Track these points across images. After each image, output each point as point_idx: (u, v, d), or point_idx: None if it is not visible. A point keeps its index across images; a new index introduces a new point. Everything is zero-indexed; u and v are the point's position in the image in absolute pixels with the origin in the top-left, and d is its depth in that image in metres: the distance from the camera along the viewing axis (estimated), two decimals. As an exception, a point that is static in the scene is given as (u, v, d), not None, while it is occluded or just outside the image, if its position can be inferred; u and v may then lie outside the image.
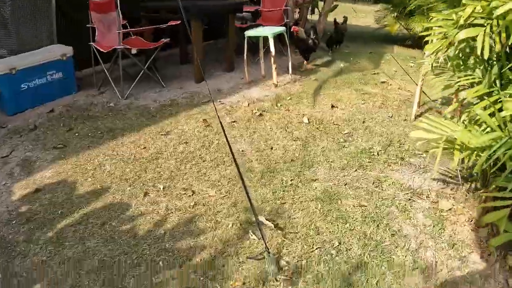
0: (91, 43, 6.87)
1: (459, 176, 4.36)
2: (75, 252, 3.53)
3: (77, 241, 3.65)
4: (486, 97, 3.53)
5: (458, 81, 3.90)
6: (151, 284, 3.21)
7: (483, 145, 3.40)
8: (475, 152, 3.50)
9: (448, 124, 3.81)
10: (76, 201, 4.15)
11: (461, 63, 3.96)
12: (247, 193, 3.47)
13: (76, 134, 5.50)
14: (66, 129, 5.62)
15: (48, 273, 3.34)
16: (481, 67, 3.78)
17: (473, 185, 4.19)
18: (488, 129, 3.54)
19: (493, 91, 3.57)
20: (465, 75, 3.87)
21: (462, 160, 4.20)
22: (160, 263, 3.42)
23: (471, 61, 3.91)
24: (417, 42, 10.35)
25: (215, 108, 4.19)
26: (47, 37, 7.15)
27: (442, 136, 3.69)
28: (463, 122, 3.79)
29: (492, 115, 3.48)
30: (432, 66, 4.38)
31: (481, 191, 3.90)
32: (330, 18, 10.73)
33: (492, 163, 3.53)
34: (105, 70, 6.77)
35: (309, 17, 10.76)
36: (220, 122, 3.73)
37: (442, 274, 3.33)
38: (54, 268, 3.37)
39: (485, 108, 3.57)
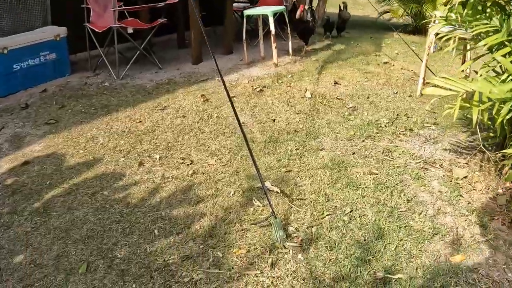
0: (86, 24, 6.41)
1: (479, 135, 3.92)
2: (62, 222, 3.14)
3: (65, 211, 3.26)
4: (507, 43, 3.14)
5: (473, 30, 3.48)
6: (145, 253, 2.80)
7: (505, 95, 3.07)
8: (496, 104, 3.13)
9: (462, 81, 3.44)
10: (66, 172, 3.75)
11: (478, 10, 3.56)
12: (251, 154, 3.06)
13: (69, 111, 5.09)
14: (58, 107, 5.22)
15: (32, 244, 2.91)
16: (499, 16, 3.38)
17: (488, 153, 3.75)
18: (510, 77, 3.20)
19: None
20: (482, 24, 3.46)
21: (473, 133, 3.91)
22: (156, 231, 3.01)
23: (487, 10, 3.52)
24: (418, 29, 9.97)
25: (220, 75, 3.79)
26: (41, 19, 6.71)
27: (458, 92, 3.29)
28: (481, 75, 3.40)
29: None
30: (446, 16, 3.93)
31: (500, 153, 3.49)
32: (328, 6, 10.31)
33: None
34: (101, 52, 6.35)
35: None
36: (225, 87, 3.32)
37: (465, 240, 2.90)
38: (38, 239, 2.97)
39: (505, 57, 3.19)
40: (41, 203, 3.36)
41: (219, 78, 5.65)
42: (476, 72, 3.58)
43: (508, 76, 3.26)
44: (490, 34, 3.45)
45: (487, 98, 3.17)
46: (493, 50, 3.48)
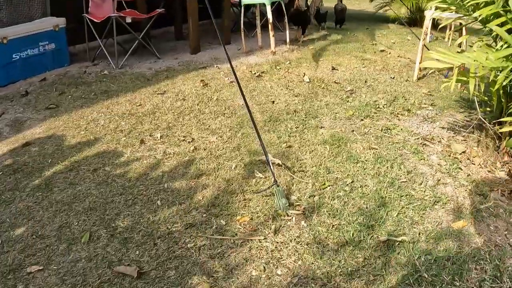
0: (85, 14, 6.36)
1: (476, 105, 3.91)
2: (64, 196, 3.09)
3: (67, 186, 3.22)
4: (502, 13, 3.13)
5: (467, 2, 3.47)
6: (147, 222, 2.76)
7: (501, 63, 3.09)
8: (492, 72, 3.20)
9: (459, 54, 3.45)
10: (67, 151, 3.72)
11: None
12: (254, 125, 3.03)
13: (69, 97, 5.05)
14: (58, 93, 5.18)
15: (34, 217, 2.86)
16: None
17: (487, 122, 3.73)
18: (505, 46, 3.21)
19: (507, 11, 3.19)
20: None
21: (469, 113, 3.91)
22: (158, 202, 2.98)
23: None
24: (414, 21, 9.94)
25: (227, 55, 3.72)
26: (40, 10, 6.66)
27: (455, 64, 3.29)
28: (477, 47, 3.41)
29: (509, 31, 3.16)
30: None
31: (498, 121, 3.48)
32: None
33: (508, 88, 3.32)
34: (100, 42, 6.30)
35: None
36: (231, 65, 3.28)
37: (465, 207, 2.88)
38: (40, 212, 2.93)
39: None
40: (42, 179, 3.32)
41: (218, 66, 5.66)
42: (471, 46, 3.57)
43: (503, 45, 3.24)
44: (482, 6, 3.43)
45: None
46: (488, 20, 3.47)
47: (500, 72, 3.08)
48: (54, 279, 2.36)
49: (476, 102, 3.70)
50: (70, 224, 2.80)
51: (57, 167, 3.47)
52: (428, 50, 5.58)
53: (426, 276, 2.34)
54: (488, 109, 3.79)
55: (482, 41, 3.56)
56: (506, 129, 3.26)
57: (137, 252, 2.54)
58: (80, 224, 2.80)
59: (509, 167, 3.39)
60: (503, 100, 3.42)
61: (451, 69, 5.51)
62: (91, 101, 4.88)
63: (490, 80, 3.27)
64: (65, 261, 2.48)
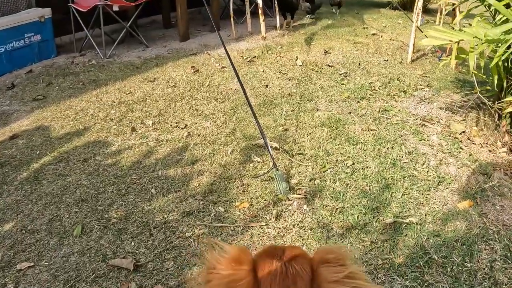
0: (70, 4, 6.15)
1: (474, 81, 3.80)
2: (54, 188, 2.93)
3: (57, 178, 3.06)
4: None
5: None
6: (142, 211, 2.60)
7: (500, 37, 3.00)
8: (491, 46, 3.11)
9: (456, 31, 3.34)
10: (55, 142, 3.55)
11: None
12: (251, 107, 2.86)
13: (57, 87, 4.87)
14: (45, 84, 4.99)
15: (23, 211, 2.70)
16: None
17: (486, 100, 3.61)
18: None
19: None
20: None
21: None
22: (152, 190, 2.82)
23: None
24: (404, 6, 9.76)
25: (220, 38, 3.56)
26: (25, 1, 6.43)
27: (453, 41, 3.19)
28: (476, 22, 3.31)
29: (507, 6, 3.07)
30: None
31: (499, 103, 3.37)
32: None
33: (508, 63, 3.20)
34: (87, 32, 6.10)
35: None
36: (225, 48, 3.12)
37: (470, 187, 2.75)
38: (30, 206, 2.77)
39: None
40: (31, 172, 3.16)
41: (208, 52, 5.48)
42: (470, 25, 3.45)
43: (501, 19, 3.14)
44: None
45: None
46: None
47: (499, 46, 2.97)
48: (45, 275, 2.21)
49: (475, 80, 3.56)
50: (61, 217, 2.65)
51: (46, 159, 3.31)
52: (422, 32, 5.46)
53: (436, 258, 2.23)
54: (488, 87, 3.67)
55: (480, 19, 3.43)
56: (508, 109, 3.14)
57: (133, 244, 2.39)
58: (72, 216, 2.65)
59: (510, 147, 3.27)
60: (503, 77, 3.30)
61: (444, 51, 5.43)
62: (79, 91, 4.71)
63: (487, 55, 3.16)
64: (57, 256, 2.33)
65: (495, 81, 3.28)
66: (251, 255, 0.91)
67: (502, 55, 2.93)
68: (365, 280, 0.88)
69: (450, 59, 3.36)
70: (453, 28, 3.88)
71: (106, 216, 2.62)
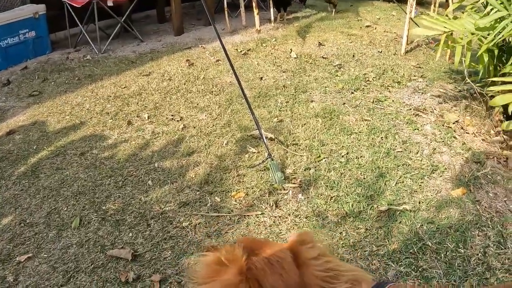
0: (64, 0, 6.13)
1: (464, 65, 3.82)
2: (51, 182, 2.95)
3: (54, 172, 3.07)
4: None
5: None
6: (139, 203, 2.63)
7: (488, 27, 3.08)
8: (478, 35, 3.17)
9: (448, 20, 3.36)
10: (52, 137, 3.57)
11: None
12: (246, 99, 2.89)
13: (52, 83, 4.87)
14: (41, 80, 4.99)
15: (21, 205, 2.72)
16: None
17: (475, 86, 3.64)
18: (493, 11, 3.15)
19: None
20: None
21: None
22: (149, 182, 2.84)
23: None
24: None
25: (216, 31, 3.56)
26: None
27: (444, 31, 3.22)
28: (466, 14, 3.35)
29: None
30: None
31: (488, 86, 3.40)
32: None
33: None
34: (81, 28, 6.08)
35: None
36: (220, 41, 3.13)
37: (463, 175, 2.78)
38: (28, 200, 2.79)
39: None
40: (28, 166, 3.18)
41: (203, 46, 5.49)
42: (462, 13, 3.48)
43: (491, 10, 3.17)
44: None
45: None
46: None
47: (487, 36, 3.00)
48: (45, 267, 2.23)
49: (465, 68, 3.58)
50: (59, 210, 2.67)
51: (43, 153, 3.33)
52: (415, 23, 5.48)
53: (430, 244, 2.25)
54: (478, 76, 3.70)
55: (472, 8, 3.46)
56: (494, 88, 3.16)
57: (130, 234, 2.42)
58: (69, 209, 2.67)
59: (503, 136, 3.30)
60: (491, 65, 3.33)
61: (439, 42, 5.45)
62: (75, 86, 4.71)
63: (477, 45, 3.19)
64: (56, 248, 2.36)
65: (482, 69, 3.32)
66: (240, 257, 0.92)
67: (490, 42, 2.95)
68: (334, 257, 1.00)
69: (439, 46, 3.38)
70: (447, 16, 3.91)
71: (103, 208, 2.64)
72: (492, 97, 3.36)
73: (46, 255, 2.30)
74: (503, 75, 3.15)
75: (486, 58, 3.23)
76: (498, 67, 3.33)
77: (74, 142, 3.42)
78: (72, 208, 2.66)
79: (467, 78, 3.58)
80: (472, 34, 3.19)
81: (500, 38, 2.92)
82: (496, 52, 3.27)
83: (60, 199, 2.77)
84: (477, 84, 3.64)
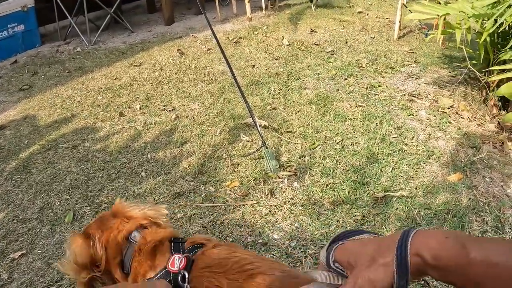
0: (52, -9, 6.06)
1: (466, 56, 3.79)
2: (43, 177, 2.90)
3: (46, 166, 3.02)
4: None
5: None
6: (133, 195, 2.59)
7: (486, 12, 3.02)
8: (479, 21, 3.10)
9: (443, 5, 3.33)
10: (43, 131, 3.52)
11: None
12: (238, 86, 2.84)
13: (42, 76, 4.80)
14: (31, 74, 4.93)
15: (14, 201, 2.68)
16: None
17: (476, 71, 3.61)
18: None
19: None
20: None
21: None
22: (143, 173, 2.80)
23: None
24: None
25: (207, 19, 3.51)
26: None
27: (439, 14, 3.17)
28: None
29: None
30: None
31: (486, 70, 3.36)
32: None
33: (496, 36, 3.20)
34: (71, 20, 6.01)
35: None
36: (212, 30, 3.07)
37: (459, 160, 2.75)
38: (20, 195, 2.74)
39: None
40: (20, 161, 3.13)
41: (194, 35, 5.43)
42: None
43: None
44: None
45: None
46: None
47: (487, 21, 2.96)
48: (39, 263, 2.20)
49: (466, 54, 3.54)
50: (52, 205, 2.63)
51: (34, 148, 3.28)
52: (407, 8, 5.43)
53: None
54: (474, 61, 3.67)
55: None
56: (495, 77, 3.13)
57: (125, 227, 2.36)
58: (62, 203, 2.64)
59: (498, 120, 3.27)
60: (490, 51, 3.29)
61: (431, 27, 5.41)
62: (65, 78, 4.65)
63: (476, 30, 3.14)
64: (50, 243, 2.32)
65: (482, 55, 3.28)
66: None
67: (492, 27, 2.91)
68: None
69: (437, 34, 3.33)
70: (439, 3, 3.86)
71: (97, 201, 2.60)
72: (487, 83, 3.33)
73: (40, 251, 2.26)
74: (503, 62, 3.10)
75: (484, 44, 3.19)
76: (494, 52, 3.29)
77: (65, 136, 3.37)
78: (65, 202, 2.62)
79: (468, 63, 3.54)
80: (469, 17, 3.14)
81: (500, 24, 2.86)
82: (495, 38, 3.24)
83: (53, 193, 2.72)
84: (474, 68, 3.61)
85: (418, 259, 0.61)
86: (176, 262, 1.19)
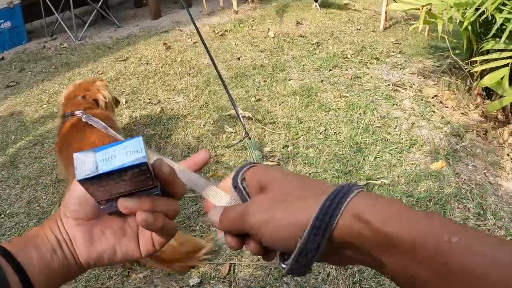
0: (38, -14, 6.02)
1: (449, 46, 3.82)
2: (30, 171, 2.92)
3: (33, 161, 3.04)
4: None
5: None
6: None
7: (468, 0, 3.08)
8: (460, 11, 3.12)
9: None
10: (30, 126, 3.52)
11: None
12: (221, 78, 2.86)
13: (29, 73, 4.79)
14: (18, 70, 4.91)
15: (1, 196, 2.71)
16: None
17: (459, 60, 3.65)
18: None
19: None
20: None
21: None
22: (127, 166, 2.78)
23: None
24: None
25: (189, 13, 3.51)
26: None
27: (422, 5, 3.20)
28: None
29: None
30: None
31: (470, 61, 3.40)
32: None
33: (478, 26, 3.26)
34: (57, 16, 5.98)
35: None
36: (194, 23, 3.08)
37: (442, 148, 2.79)
38: (7, 190, 2.75)
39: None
40: (7, 157, 3.13)
41: (180, 28, 5.43)
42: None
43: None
44: None
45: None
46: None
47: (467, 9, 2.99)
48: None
49: (448, 43, 3.57)
50: (39, 199, 2.64)
51: (21, 143, 3.28)
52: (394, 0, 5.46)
53: (408, 216, 2.24)
54: (457, 51, 3.70)
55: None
56: (478, 68, 3.16)
57: (110, 220, 2.38)
58: (49, 197, 2.65)
59: (482, 109, 3.31)
60: (472, 41, 3.32)
61: (417, 18, 5.43)
62: (52, 74, 4.65)
63: (458, 20, 3.17)
64: (36, 236, 2.31)
65: (465, 45, 3.31)
66: None
67: (473, 15, 2.94)
68: None
69: (419, 24, 3.36)
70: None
71: (83, 196, 2.60)
72: (471, 74, 3.36)
73: (26, 245, 2.27)
74: (486, 52, 3.16)
75: (467, 33, 3.21)
76: (477, 42, 3.32)
77: (52, 131, 3.37)
78: (52, 196, 2.64)
79: (451, 53, 3.57)
80: (451, 7, 3.16)
81: (482, 12, 2.88)
82: (477, 27, 3.27)
83: (40, 187, 2.74)
84: (458, 58, 3.64)
85: (356, 222, 0.42)
86: None
